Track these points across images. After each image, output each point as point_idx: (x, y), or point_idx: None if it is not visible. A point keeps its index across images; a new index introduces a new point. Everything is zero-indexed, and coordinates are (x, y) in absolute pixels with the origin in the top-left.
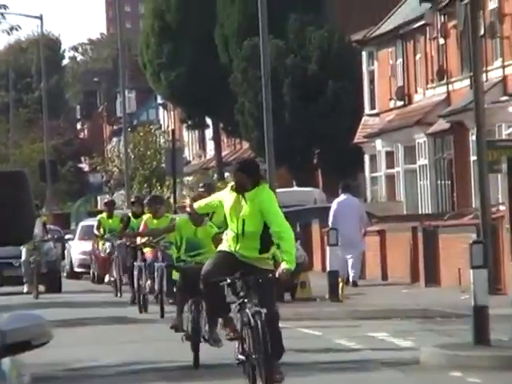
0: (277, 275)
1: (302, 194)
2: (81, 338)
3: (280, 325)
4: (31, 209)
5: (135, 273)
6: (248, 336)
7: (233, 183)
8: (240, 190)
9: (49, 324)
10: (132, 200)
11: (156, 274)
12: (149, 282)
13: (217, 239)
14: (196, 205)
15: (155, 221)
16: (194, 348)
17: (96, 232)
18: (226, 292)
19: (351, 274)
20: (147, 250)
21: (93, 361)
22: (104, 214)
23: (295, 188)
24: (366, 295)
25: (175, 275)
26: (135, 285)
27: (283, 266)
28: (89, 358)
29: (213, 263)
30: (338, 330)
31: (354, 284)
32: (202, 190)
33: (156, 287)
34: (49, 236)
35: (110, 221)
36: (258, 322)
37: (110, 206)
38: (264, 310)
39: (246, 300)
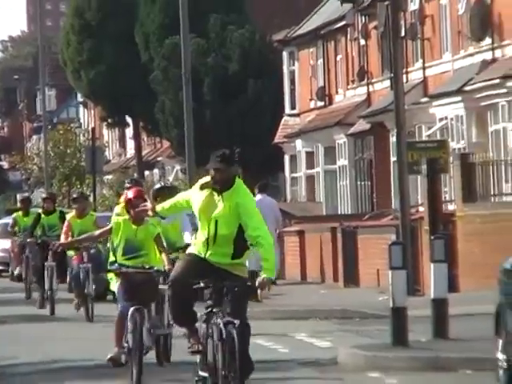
0: (256, 285)
1: None
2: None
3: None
4: None
5: (45, 273)
6: (218, 350)
7: (205, 180)
8: (222, 187)
9: None
10: (44, 196)
11: (81, 275)
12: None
13: (159, 239)
14: (159, 207)
15: (79, 220)
16: (137, 366)
17: (9, 229)
18: (204, 296)
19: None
20: (71, 254)
21: (12, 358)
22: (20, 212)
23: None
24: (285, 295)
25: (111, 284)
26: (46, 286)
27: (263, 274)
28: (7, 356)
29: (182, 267)
30: (256, 329)
31: (273, 282)
32: (129, 185)
33: (86, 291)
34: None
35: (25, 219)
36: (234, 334)
37: (26, 204)
38: (237, 321)
39: (214, 310)
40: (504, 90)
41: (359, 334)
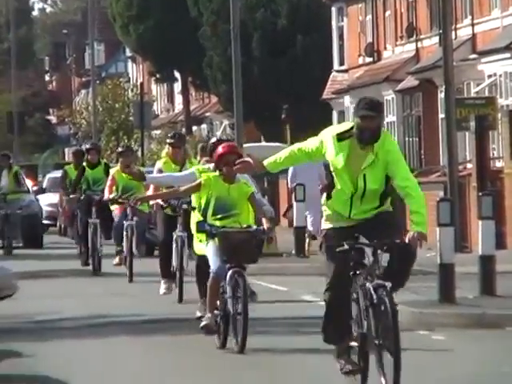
0: (407, 241)
1: (269, 149)
2: (45, 291)
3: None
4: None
5: (90, 230)
6: (369, 316)
7: (340, 129)
8: (370, 136)
9: (14, 276)
10: (87, 147)
11: (125, 233)
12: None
13: (253, 198)
14: (267, 161)
15: (124, 174)
16: (243, 332)
17: (61, 183)
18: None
19: (310, 229)
20: (115, 207)
21: (56, 313)
22: (72, 165)
23: (263, 143)
24: None
25: (199, 250)
26: (89, 245)
27: (414, 228)
28: (52, 310)
29: (335, 266)
30: (304, 285)
31: (314, 237)
32: (172, 140)
33: (125, 249)
34: (25, 188)
35: (125, 175)
36: (385, 297)
37: (79, 157)
38: (388, 284)
39: (357, 272)
40: None
41: (406, 290)
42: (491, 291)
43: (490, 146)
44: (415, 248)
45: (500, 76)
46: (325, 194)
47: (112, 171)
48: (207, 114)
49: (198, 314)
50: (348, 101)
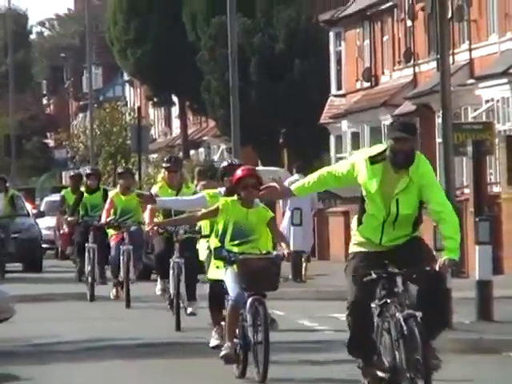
0: (437, 268)
1: (267, 173)
2: (43, 314)
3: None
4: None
5: (86, 255)
6: (399, 348)
7: (373, 152)
8: (405, 159)
9: (12, 299)
10: (87, 172)
11: (122, 258)
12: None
13: (273, 223)
14: (294, 186)
15: (123, 197)
16: (264, 362)
17: (60, 208)
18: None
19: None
20: (111, 233)
21: (54, 337)
22: (69, 189)
23: (260, 167)
24: (329, 276)
25: (215, 275)
26: (86, 270)
27: (445, 256)
28: (50, 334)
29: (357, 284)
30: (301, 310)
31: (309, 260)
32: (168, 164)
33: (122, 274)
34: (25, 211)
35: (124, 198)
36: (415, 328)
37: (77, 181)
38: (419, 313)
39: (389, 300)
40: None
41: None
42: (488, 316)
43: (488, 171)
44: (445, 275)
45: (497, 101)
46: (355, 220)
47: (111, 194)
48: (205, 138)
49: (214, 342)
50: (345, 125)
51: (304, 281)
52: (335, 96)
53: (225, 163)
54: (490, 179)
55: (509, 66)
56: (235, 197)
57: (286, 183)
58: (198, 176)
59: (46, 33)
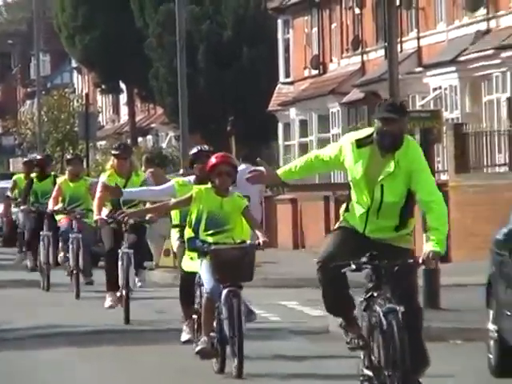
0: (420, 261)
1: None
2: None
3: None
4: None
5: (41, 243)
6: (378, 343)
7: (361, 135)
8: (392, 142)
9: None
10: (38, 158)
11: (71, 246)
12: (61, 253)
13: (247, 212)
14: (281, 170)
15: (71, 184)
16: (239, 356)
17: (9, 193)
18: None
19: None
20: (60, 218)
21: (5, 324)
22: (21, 175)
23: None
24: (277, 263)
25: (188, 266)
26: (42, 258)
27: (430, 248)
28: (3, 321)
29: (333, 243)
30: (248, 297)
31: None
32: (117, 152)
33: (71, 263)
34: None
35: (72, 185)
36: (393, 323)
37: (30, 167)
38: (401, 308)
39: (375, 294)
40: (498, 61)
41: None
42: (435, 304)
43: (435, 159)
44: (429, 266)
45: (445, 89)
46: (343, 206)
47: (59, 181)
48: (153, 126)
49: (185, 336)
50: (294, 113)
51: None
52: (283, 84)
53: (194, 149)
54: (438, 167)
55: (457, 54)
56: (209, 185)
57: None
58: (146, 163)
59: None
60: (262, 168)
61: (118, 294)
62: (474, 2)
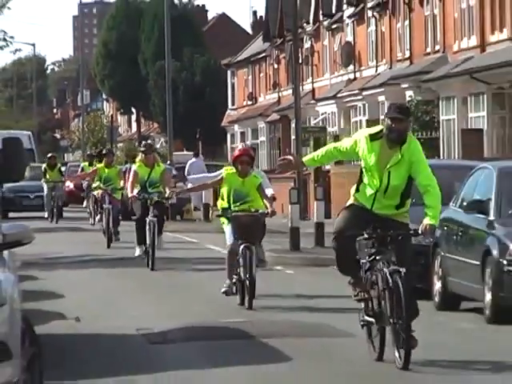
0: (419, 231)
1: (187, 156)
2: (52, 240)
3: (170, 235)
4: (23, 162)
5: (104, 215)
6: (385, 298)
7: (372, 131)
8: (399, 137)
9: (32, 230)
10: (104, 152)
11: (104, 214)
12: (98, 216)
13: (261, 187)
14: (306, 158)
15: (106, 169)
16: (251, 293)
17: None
18: (358, 248)
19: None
20: (97, 192)
21: (59, 253)
22: (86, 163)
23: (185, 152)
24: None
25: (224, 223)
26: (104, 224)
27: (427, 221)
28: (56, 251)
29: (346, 218)
30: (208, 238)
31: (196, 209)
32: (144, 149)
33: (104, 225)
34: (63, 178)
35: (107, 170)
36: (399, 282)
37: (91, 157)
38: (403, 269)
39: (377, 257)
40: (360, 97)
41: (271, 243)
42: (322, 244)
43: None
44: (426, 236)
45: (328, 114)
46: (354, 187)
47: (98, 165)
48: (151, 134)
49: (224, 289)
50: (236, 128)
51: (210, 221)
52: (231, 109)
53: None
54: None
55: (335, 92)
56: (234, 169)
57: (187, 163)
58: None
59: (56, 69)
60: (290, 157)
61: (143, 248)
62: (347, 60)
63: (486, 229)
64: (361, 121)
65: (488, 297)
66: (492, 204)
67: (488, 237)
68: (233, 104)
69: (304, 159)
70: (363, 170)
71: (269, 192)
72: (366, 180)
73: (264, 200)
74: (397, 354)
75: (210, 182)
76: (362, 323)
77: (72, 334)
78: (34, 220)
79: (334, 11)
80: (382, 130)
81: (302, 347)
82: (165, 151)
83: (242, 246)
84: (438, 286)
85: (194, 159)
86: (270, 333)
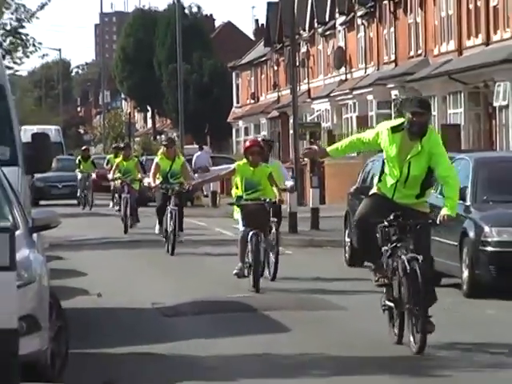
0: (438, 221)
1: (195, 148)
2: (77, 224)
3: (185, 220)
4: (50, 154)
5: (123, 203)
6: (403, 284)
7: (393, 123)
8: (419, 130)
9: (58, 216)
10: (121, 146)
11: (123, 202)
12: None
13: (271, 176)
14: (330, 148)
15: (125, 162)
16: (256, 275)
17: (104, 166)
18: (379, 235)
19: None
20: (117, 183)
21: (83, 236)
22: (111, 155)
23: (195, 145)
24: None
25: (236, 210)
26: (122, 210)
27: (445, 211)
28: (83, 234)
29: (368, 206)
30: (216, 223)
31: (206, 196)
32: (166, 143)
33: (122, 213)
34: (96, 171)
35: (125, 163)
36: (417, 268)
37: (117, 149)
38: (420, 257)
39: (398, 245)
40: (351, 96)
41: None
42: (317, 227)
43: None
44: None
45: (323, 111)
46: (377, 177)
47: (117, 160)
48: (165, 129)
49: (235, 271)
50: (241, 123)
51: (217, 207)
52: (236, 107)
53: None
54: None
55: (329, 92)
56: (245, 160)
57: (194, 156)
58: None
59: (80, 72)
60: (315, 146)
61: (163, 227)
62: (339, 63)
63: (463, 213)
64: (351, 117)
65: (465, 274)
66: (468, 191)
67: (465, 220)
68: (237, 102)
69: (328, 149)
70: (385, 161)
71: (288, 183)
72: (387, 170)
73: (273, 188)
74: (411, 339)
75: (223, 174)
76: (383, 308)
77: (94, 308)
78: (63, 207)
79: (327, 19)
80: (403, 123)
81: (299, 319)
82: (176, 144)
83: (250, 233)
84: (347, 245)
85: (199, 152)
86: (271, 306)
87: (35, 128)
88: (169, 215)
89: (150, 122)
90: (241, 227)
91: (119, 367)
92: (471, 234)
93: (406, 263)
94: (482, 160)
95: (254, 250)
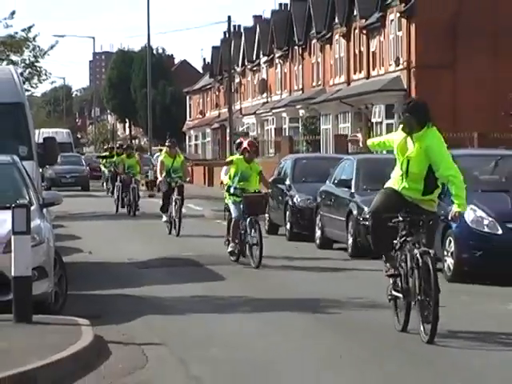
0: (449, 218)
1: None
2: (76, 203)
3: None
4: (56, 152)
5: (130, 194)
6: (414, 276)
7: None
8: (406, 130)
9: (61, 196)
10: (168, 144)
11: (129, 191)
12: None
13: (261, 173)
14: (370, 141)
15: (127, 159)
16: (261, 255)
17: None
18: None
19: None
20: (124, 177)
21: (82, 211)
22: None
23: (153, 148)
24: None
25: (229, 198)
26: (116, 196)
27: (455, 209)
28: (80, 210)
29: (382, 199)
30: (210, 205)
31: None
32: (169, 143)
33: (127, 198)
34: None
35: (129, 160)
36: (429, 262)
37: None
38: (432, 251)
39: (408, 239)
40: (271, 114)
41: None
42: None
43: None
44: (455, 222)
45: (250, 124)
46: (392, 173)
47: (119, 158)
48: (138, 135)
49: (230, 249)
50: (192, 132)
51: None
52: (189, 121)
53: (238, 141)
54: None
55: (255, 110)
56: (241, 156)
57: (155, 156)
58: (136, 151)
59: (79, 94)
60: (359, 135)
61: (168, 215)
62: (262, 90)
63: (349, 197)
64: (270, 128)
65: (350, 240)
66: (353, 181)
67: (350, 202)
68: (190, 117)
69: (368, 142)
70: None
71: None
72: (396, 166)
73: (261, 183)
74: (422, 328)
75: (222, 163)
76: (389, 297)
77: (86, 262)
78: (68, 192)
79: (254, 58)
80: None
81: (236, 271)
82: (146, 146)
83: (249, 219)
84: (318, 233)
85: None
86: (213, 262)
87: (50, 131)
88: (173, 203)
89: (127, 130)
90: (234, 212)
91: (103, 304)
92: (354, 213)
93: (419, 256)
94: (362, 159)
95: (258, 233)
